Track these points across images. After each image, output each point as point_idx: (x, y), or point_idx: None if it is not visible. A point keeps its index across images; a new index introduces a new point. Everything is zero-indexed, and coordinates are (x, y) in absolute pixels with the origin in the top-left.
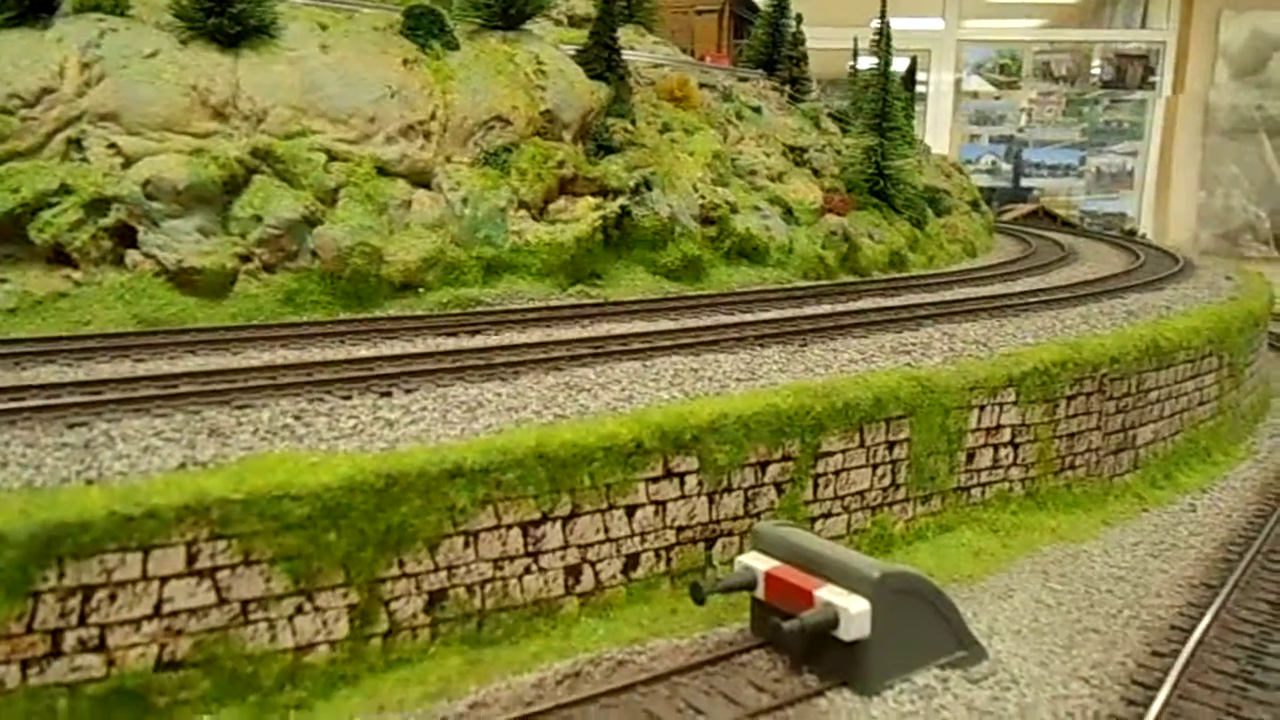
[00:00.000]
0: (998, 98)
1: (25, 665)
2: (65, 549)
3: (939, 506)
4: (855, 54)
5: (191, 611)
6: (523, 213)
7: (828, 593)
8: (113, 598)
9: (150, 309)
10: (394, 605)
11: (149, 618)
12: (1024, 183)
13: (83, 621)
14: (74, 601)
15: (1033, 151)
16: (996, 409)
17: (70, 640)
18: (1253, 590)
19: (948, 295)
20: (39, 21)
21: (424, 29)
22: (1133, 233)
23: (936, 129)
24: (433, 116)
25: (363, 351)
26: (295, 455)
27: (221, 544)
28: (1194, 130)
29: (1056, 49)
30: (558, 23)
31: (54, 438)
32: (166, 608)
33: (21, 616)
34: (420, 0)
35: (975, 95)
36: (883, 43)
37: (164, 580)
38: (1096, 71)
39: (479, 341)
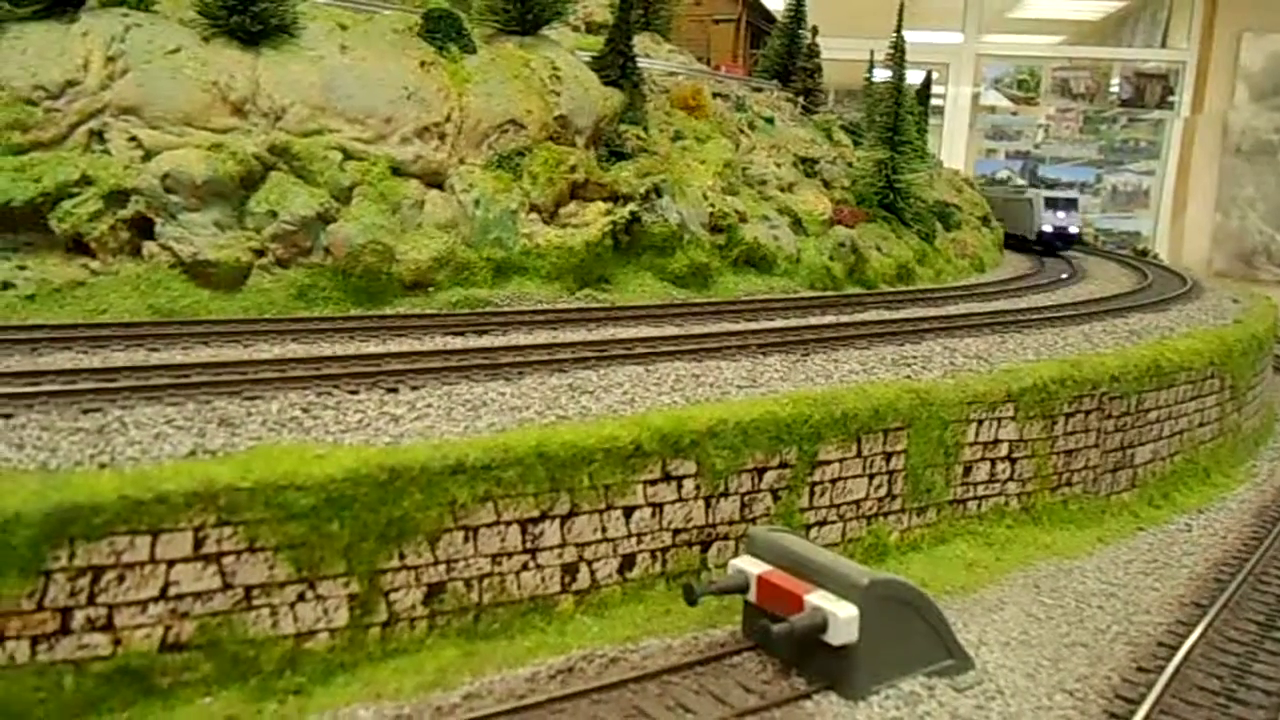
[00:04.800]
0: (1015, 113)
1: (35, 641)
2: (77, 530)
3: (934, 518)
4: (871, 66)
5: (197, 595)
6: (533, 216)
7: (817, 598)
8: (121, 579)
9: (165, 300)
10: (393, 596)
11: (155, 600)
12: None
13: (91, 601)
14: (84, 581)
15: (1049, 168)
16: (994, 424)
17: (79, 619)
18: (1242, 610)
19: (952, 310)
20: (65, 15)
21: (442, 32)
22: (1145, 253)
23: (953, 142)
24: (448, 118)
25: (372, 348)
26: (302, 446)
27: (228, 530)
28: (1211, 151)
29: (1075, 66)
30: (575, 29)
31: (69, 422)
32: (173, 590)
33: (33, 594)
34: (439, 4)
35: (993, 110)
36: (897, 56)
37: (171, 564)
38: (1115, 90)
39: (486, 341)
